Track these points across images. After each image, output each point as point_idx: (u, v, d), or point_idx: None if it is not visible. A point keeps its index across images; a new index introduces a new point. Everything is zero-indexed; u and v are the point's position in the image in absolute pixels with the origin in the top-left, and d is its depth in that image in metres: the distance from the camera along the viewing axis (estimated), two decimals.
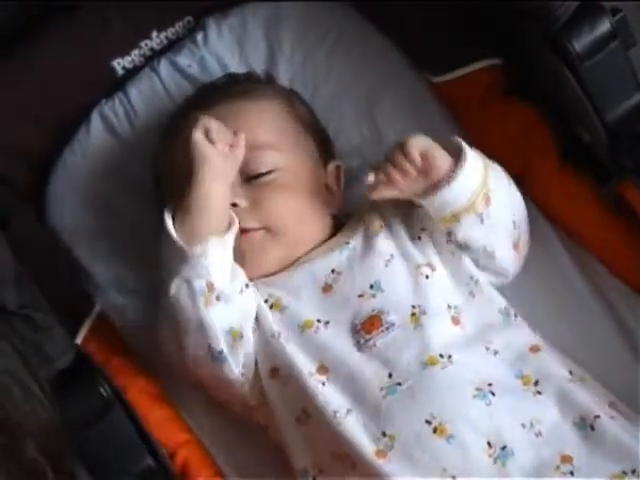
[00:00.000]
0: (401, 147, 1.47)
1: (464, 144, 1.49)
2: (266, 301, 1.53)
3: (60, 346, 1.39)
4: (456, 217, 1.48)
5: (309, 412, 1.45)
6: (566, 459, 1.37)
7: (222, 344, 1.47)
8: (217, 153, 1.49)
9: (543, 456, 1.36)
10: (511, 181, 1.56)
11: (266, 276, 1.56)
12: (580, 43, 1.47)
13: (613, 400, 1.47)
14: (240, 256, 1.53)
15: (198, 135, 1.48)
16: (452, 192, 1.46)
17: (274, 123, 1.62)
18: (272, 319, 1.51)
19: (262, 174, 1.57)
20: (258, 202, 1.55)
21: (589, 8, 1.47)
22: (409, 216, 1.58)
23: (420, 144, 1.47)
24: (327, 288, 1.53)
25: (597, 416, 1.40)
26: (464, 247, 1.52)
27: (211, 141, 1.48)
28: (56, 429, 1.18)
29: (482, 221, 1.48)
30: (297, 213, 1.58)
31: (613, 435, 1.38)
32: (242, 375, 1.50)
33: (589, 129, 1.55)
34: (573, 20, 1.46)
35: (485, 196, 1.47)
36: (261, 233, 1.55)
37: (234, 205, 1.53)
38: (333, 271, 1.54)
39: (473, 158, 1.48)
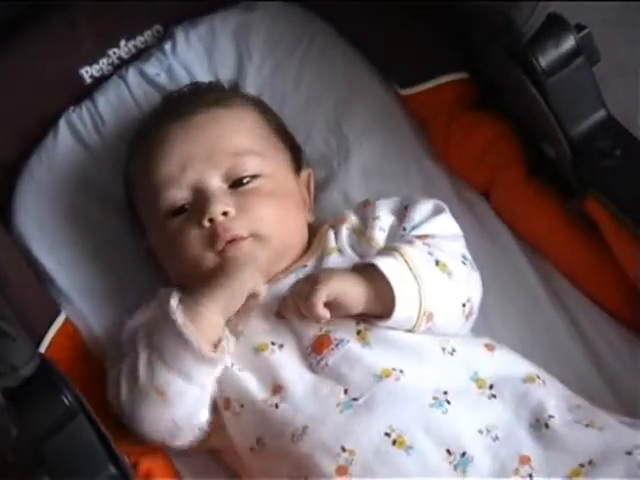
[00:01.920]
0: (309, 289, 1.42)
1: (390, 276, 1.41)
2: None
3: (24, 354, 1.38)
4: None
5: (264, 441, 1.43)
6: (524, 460, 1.35)
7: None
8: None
9: (502, 459, 1.36)
10: (454, 272, 1.48)
11: None
12: (545, 59, 1.49)
13: (569, 395, 1.46)
14: None
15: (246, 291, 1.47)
16: (390, 325, 1.44)
17: (252, 130, 1.63)
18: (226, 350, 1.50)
19: (247, 180, 1.57)
20: (245, 209, 1.54)
21: (554, 24, 1.48)
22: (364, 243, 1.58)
23: (329, 291, 1.42)
24: (279, 313, 1.52)
25: (551, 415, 1.39)
26: None
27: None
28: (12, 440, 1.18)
29: (431, 329, 1.46)
30: (282, 220, 1.57)
31: (567, 431, 1.37)
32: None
33: (553, 144, 1.56)
34: (539, 36, 1.47)
35: (427, 314, 1.44)
36: (249, 241, 1.54)
37: (224, 214, 1.53)
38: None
39: (404, 289, 1.42)
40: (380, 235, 1.57)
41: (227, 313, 1.47)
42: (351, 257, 1.56)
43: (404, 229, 1.56)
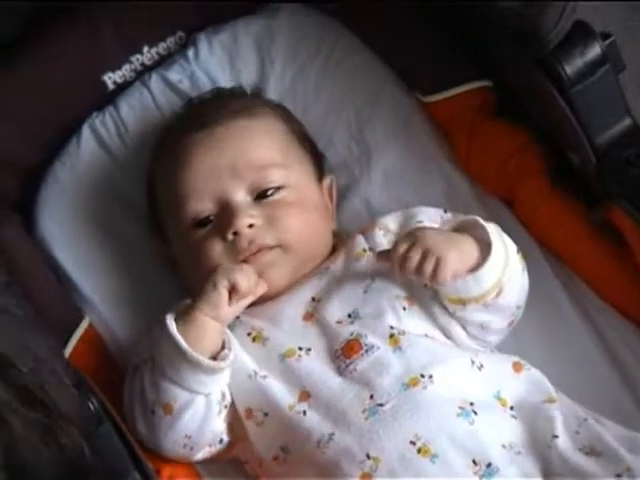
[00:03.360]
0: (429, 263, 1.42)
1: (494, 239, 1.44)
2: (249, 334, 1.52)
3: None
4: (462, 302, 1.46)
5: (288, 449, 1.43)
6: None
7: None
8: (228, 310, 1.48)
9: (526, 472, 1.36)
10: (524, 268, 1.53)
11: (253, 305, 1.55)
12: (571, 67, 1.48)
13: (576, 409, 1.45)
14: None
15: (222, 287, 1.47)
16: (466, 284, 1.44)
17: (276, 140, 1.63)
18: (249, 358, 1.50)
19: (272, 192, 1.57)
20: (272, 220, 1.55)
21: (580, 32, 1.48)
22: None
23: (452, 269, 1.42)
24: (307, 316, 1.52)
25: (556, 436, 1.39)
26: (458, 319, 1.51)
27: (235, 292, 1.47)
28: (85, 419, 1.18)
29: (487, 308, 1.47)
30: (308, 229, 1.57)
31: (569, 458, 1.37)
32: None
33: (578, 152, 1.55)
34: (564, 44, 1.47)
35: (498, 289, 1.45)
36: (277, 251, 1.55)
37: (250, 226, 1.53)
38: (313, 299, 1.54)
39: (497, 255, 1.44)
40: None
41: (220, 314, 1.46)
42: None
43: None
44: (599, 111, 1.52)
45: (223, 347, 1.47)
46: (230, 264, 1.50)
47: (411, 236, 1.45)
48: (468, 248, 1.45)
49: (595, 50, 1.49)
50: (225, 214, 1.55)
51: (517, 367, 1.48)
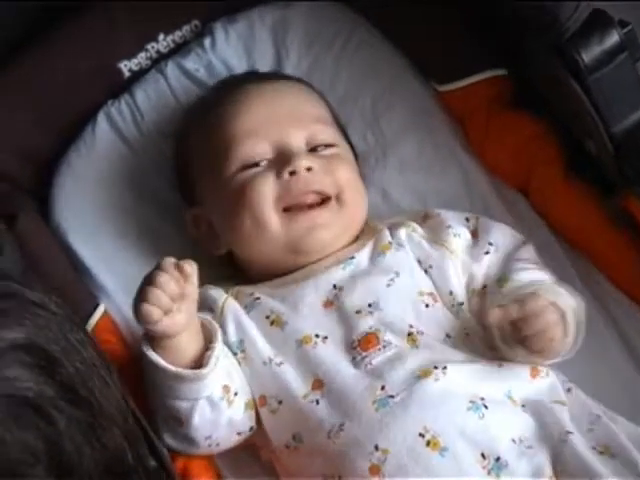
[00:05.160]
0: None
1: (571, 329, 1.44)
2: (267, 317, 1.51)
3: None
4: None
5: (300, 438, 1.43)
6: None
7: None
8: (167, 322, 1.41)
9: (536, 466, 1.35)
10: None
11: (277, 276, 1.56)
12: (589, 55, 1.48)
13: (592, 405, 1.45)
14: (303, 233, 1.54)
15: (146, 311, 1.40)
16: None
17: (324, 107, 1.67)
18: (265, 343, 1.49)
19: (326, 147, 1.59)
20: (329, 170, 1.56)
21: (598, 20, 1.47)
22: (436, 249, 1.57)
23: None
24: (328, 303, 1.51)
25: (570, 432, 1.38)
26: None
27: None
28: (131, 417, 1.18)
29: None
30: (359, 188, 1.61)
31: (583, 455, 1.36)
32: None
33: (595, 140, 1.55)
34: (582, 32, 1.46)
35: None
36: (332, 204, 1.55)
37: (309, 170, 1.54)
38: (335, 286, 1.53)
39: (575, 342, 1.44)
40: (455, 240, 1.56)
41: (161, 330, 1.41)
42: (407, 255, 1.55)
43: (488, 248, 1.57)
44: (616, 99, 1.51)
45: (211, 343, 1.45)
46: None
47: (532, 305, 1.42)
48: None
49: (613, 38, 1.48)
50: (282, 156, 1.56)
51: (534, 372, 1.46)
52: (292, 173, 1.53)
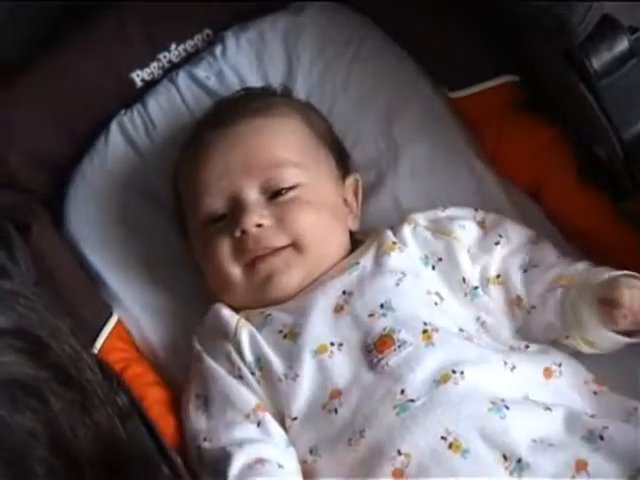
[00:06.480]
0: None
1: None
2: (280, 332, 1.52)
3: None
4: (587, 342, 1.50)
5: (318, 451, 1.43)
6: (581, 465, 1.34)
7: None
8: None
9: (557, 466, 1.35)
10: None
11: (281, 302, 1.56)
12: (598, 61, 1.47)
13: (631, 406, 1.44)
14: (262, 282, 1.55)
15: None
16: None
17: (294, 140, 1.63)
18: (279, 359, 1.49)
19: (285, 191, 1.57)
20: (284, 219, 1.55)
21: (608, 26, 1.47)
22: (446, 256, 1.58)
23: None
24: (338, 309, 1.52)
25: (606, 427, 1.38)
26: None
27: None
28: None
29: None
30: (322, 229, 1.57)
31: (624, 440, 1.36)
32: None
33: (606, 146, 1.54)
34: (592, 37, 1.46)
35: None
36: (288, 251, 1.55)
37: (259, 226, 1.54)
38: (344, 292, 1.53)
39: None
40: (461, 231, 1.57)
41: None
42: (413, 253, 1.56)
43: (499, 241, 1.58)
44: (626, 105, 1.50)
45: None
46: None
47: None
48: None
49: (623, 44, 1.47)
50: (235, 211, 1.56)
51: (547, 373, 1.47)
52: (243, 232, 1.54)
